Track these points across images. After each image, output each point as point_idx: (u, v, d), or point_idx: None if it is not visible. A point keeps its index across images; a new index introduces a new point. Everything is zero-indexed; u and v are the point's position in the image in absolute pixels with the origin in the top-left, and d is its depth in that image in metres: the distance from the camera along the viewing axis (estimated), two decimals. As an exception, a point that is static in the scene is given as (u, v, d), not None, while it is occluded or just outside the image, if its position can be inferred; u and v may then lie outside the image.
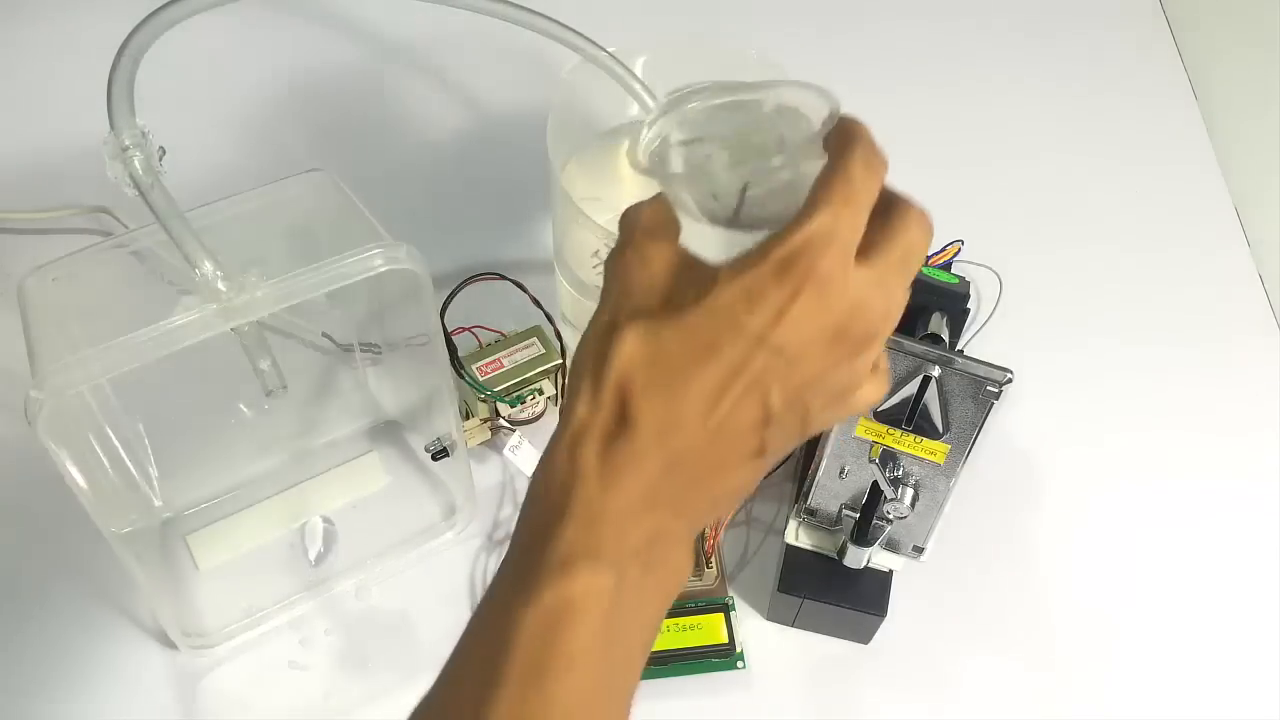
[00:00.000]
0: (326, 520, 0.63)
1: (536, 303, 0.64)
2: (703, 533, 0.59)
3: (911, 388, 0.52)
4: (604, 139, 0.65)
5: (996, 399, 0.52)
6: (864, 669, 0.60)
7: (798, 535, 0.60)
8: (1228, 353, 0.74)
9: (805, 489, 0.59)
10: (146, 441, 0.60)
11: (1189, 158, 0.84)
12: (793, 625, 0.61)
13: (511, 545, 0.37)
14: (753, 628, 0.61)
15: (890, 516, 0.56)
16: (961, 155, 0.82)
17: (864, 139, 0.35)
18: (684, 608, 0.59)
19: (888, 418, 0.54)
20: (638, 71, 0.60)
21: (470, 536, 0.63)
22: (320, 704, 0.58)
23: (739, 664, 0.58)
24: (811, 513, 0.60)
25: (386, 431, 0.67)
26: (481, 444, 0.64)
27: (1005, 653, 0.61)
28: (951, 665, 0.60)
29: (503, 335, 0.64)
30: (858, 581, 0.59)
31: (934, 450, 0.54)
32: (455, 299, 0.61)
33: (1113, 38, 0.91)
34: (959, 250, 0.67)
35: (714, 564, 0.60)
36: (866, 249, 0.35)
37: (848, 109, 0.36)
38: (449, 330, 0.60)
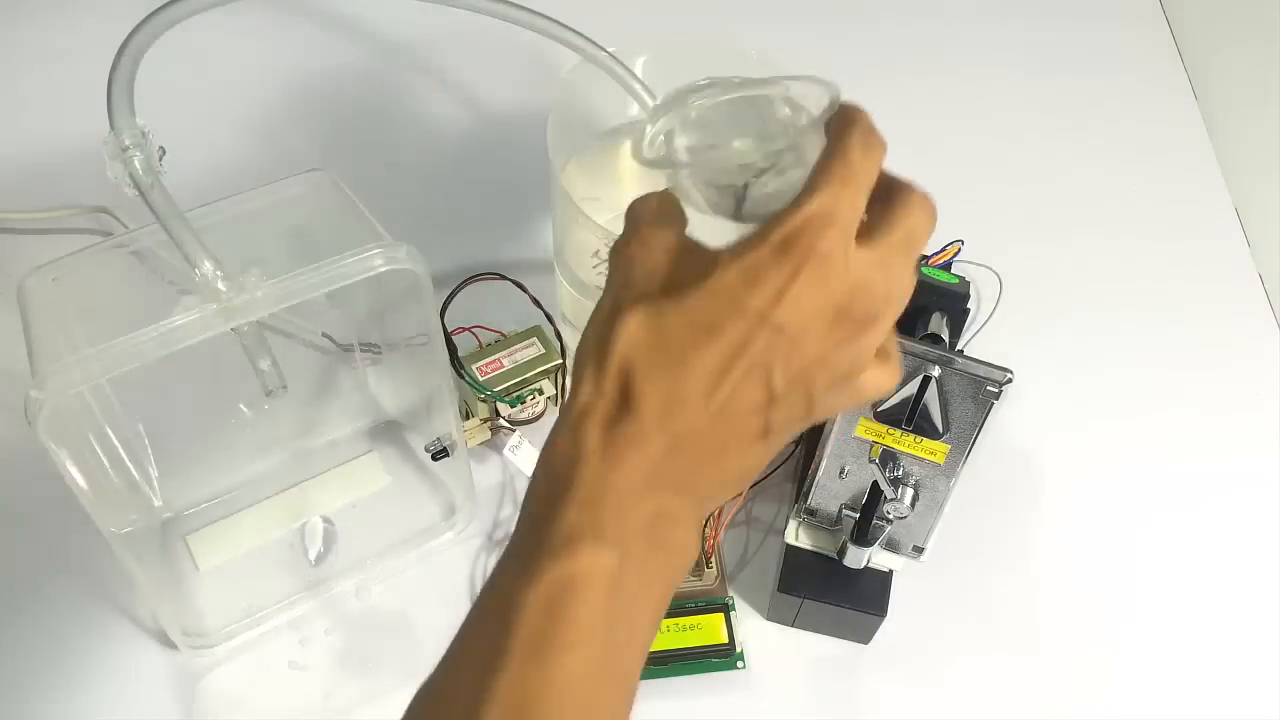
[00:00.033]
0: (326, 520, 0.63)
1: (536, 303, 0.64)
2: (703, 533, 0.59)
3: (911, 388, 0.52)
4: (604, 139, 0.65)
5: (996, 399, 0.52)
6: (864, 669, 0.60)
7: (798, 535, 0.60)
8: (1228, 353, 0.74)
9: (805, 489, 0.59)
10: (146, 441, 0.60)
11: (1189, 157, 0.84)
12: (793, 625, 0.61)
13: (515, 530, 0.37)
14: (753, 628, 0.61)
15: (890, 516, 0.56)
16: (961, 155, 0.82)
17: (862, 122, 0.35)
18: (684, 608, 0.59)
19: (888, 418, 0.54)
20: (638, 71, 0.60)
21: (470, 536, 0.63)
22: (320, 704, 0.58)
23: (739, 664, 0.58)
24: (811, 513, 0.60)
25: (386, 431, 0.67)
26: (481, 444, 0.64)
27: (1005, 652, 0.61)
28: (951, 665, 0.60)
29: (503, 335, 0.64)
30: (858, 581, 0.59)
31: (934, 450, 0.54)
32: (455, 299, 0.62)
33: (1112, 37, 0.91)
34: (959, 250, 0.67)
35: (714, 564, 0.60)
36: (868, 230, 0.35)
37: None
38: (449, 330, 0.60)
